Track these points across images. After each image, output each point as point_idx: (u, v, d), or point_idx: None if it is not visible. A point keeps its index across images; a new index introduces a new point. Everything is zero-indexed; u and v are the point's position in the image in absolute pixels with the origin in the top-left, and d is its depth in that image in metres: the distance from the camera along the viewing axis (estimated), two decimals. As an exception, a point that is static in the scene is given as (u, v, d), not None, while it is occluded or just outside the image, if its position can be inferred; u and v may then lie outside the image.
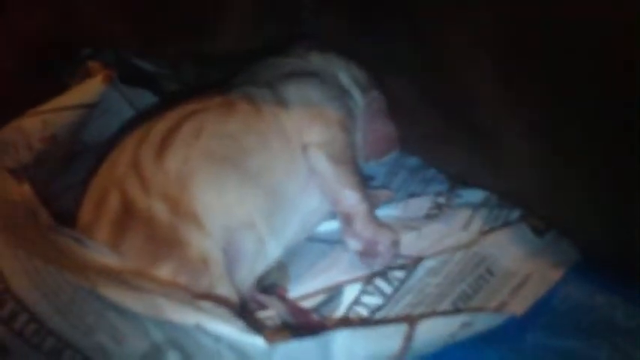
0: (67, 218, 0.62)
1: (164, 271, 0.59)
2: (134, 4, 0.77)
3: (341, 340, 0.52)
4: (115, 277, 0.55)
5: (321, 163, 0.69)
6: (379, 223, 0.70)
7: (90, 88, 0.78)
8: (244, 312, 0.55)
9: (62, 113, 0.75)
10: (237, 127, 0.67)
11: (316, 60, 0.80)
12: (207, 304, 0.52)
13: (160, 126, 0.67)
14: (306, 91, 0.73)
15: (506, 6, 0.58)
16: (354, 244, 0.69)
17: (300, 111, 0.71)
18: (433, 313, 0.62)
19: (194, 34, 0.77)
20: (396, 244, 0.69)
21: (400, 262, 0.68)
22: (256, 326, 0.52)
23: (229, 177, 0.64)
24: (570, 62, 0.56)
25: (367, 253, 0.69)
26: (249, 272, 0.65)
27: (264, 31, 0.78)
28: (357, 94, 0.78)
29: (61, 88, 0.81)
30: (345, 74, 0.79)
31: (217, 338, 0.50)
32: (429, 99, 0.70)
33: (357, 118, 0.76)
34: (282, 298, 0.65)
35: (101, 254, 0.58)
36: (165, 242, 0.60)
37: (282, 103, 0.71)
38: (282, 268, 0.69)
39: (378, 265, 0.68)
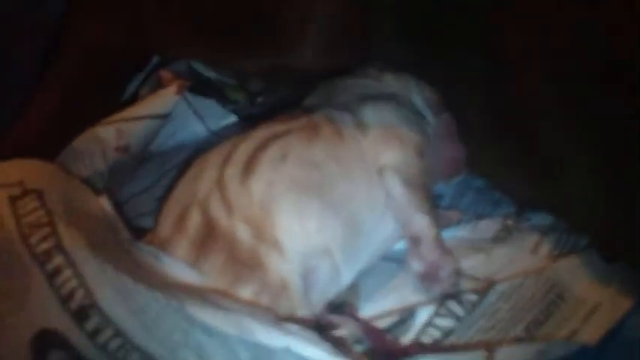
0: (133, 230, 0.62)
1: (245, 293, 0.59)
2: (206, 16, 0.77)
3: (424, 364, 0.51)
4: (202, 295, 0.55)
5: (396, 186, 0.69)
6: (445, 250, 0.70)
7: (163, 99, 0.78)
8: (322, 334, 0.55)
9: (136, 123, 0.75)
10: (321, 153, 0.67)
11: (391, 81, 0.80)
12: (294, 327, 0.52)
13: (245, 145, 0.67)
14: (384, 114, 0.73)
15: (574, 26, 0.58)
16: (416, 266, 0.69)
17: (378, 134, 0.71)
18: (508, 339, 0.62)
19: (273, 48, 0.77)
20: (458, 272, 0.69)
21: (472, 285, 0.68)
22: (339, 348, 0.52)
23: (311, 204, 0.64)
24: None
25: (428, 277, 0.69)
26: (321, 298, 0.65)
27: (343, 50, 0.77)
28: (429, 115, 0.78)
29: (130, 97, 0.81)
30: (419, 96, 0.79)
31: None
32: (497, 126, 0.71)
33: (430, 141, 0.75)
34: (355, 318, 0.65)
35: (181, 272, 0.58)
36: (246, 264, 0.60)
37: (361, 126, 0.71)
38: (352, 286, 0.68)
39: (435, 290, 0.68)
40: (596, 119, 0.60)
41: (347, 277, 0.67)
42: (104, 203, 0.61)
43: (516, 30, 0.63)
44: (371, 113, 0.73)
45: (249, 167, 0.65)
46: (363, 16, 0.75)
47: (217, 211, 0.62)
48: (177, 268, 0.58)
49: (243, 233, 0.61)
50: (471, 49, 0.68)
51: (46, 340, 0.52)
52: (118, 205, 0.65)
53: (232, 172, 0.65)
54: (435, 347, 0.63)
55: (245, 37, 0.77)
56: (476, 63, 0.68)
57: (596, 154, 0.61)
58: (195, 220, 0.63)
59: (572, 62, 0.59)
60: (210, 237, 0.61)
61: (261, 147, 0.67)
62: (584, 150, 0.62)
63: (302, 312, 0.60)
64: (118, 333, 0.52)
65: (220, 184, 0.64)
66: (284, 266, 0.61)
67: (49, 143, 0.73)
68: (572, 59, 0.59)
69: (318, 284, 0.64)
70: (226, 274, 0.60)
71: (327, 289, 0.65)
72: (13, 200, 0.58)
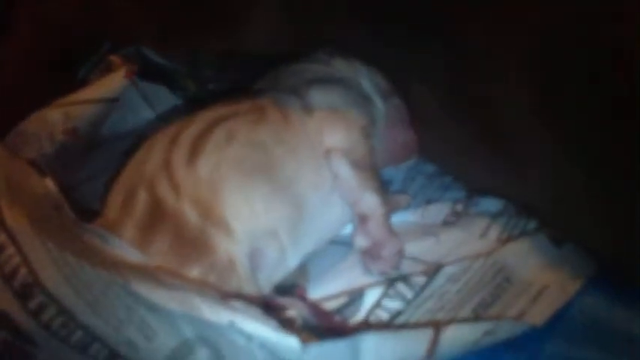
0: (83, 213, 0.61)
1: (193, 273, 0.59)
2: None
3: (370, 342, 0.52)
4: (147, 273, 0.54)
5: (343, 168, 0.69)
6: (392, 230, 0.70)
7: (112, 83, 0.78)
8: (270, 314, 0.55)
9: (84, 106, 0.75)
10: (268, 135, 0.67)
11: (340, 66, 0.80)
12: (239, 304, 0.52)
13: (192, 128, 0.67)
14: (330, 97, 0.73)
15: (539, 18, 0.58)
16: (360, 241, 0.70)
17: (324, 116, 0.71)
18: (455, 320, 0.62)
19: (221, 31, 0.77)
20: (400, 254, 0.69)
21: (420, 268, 0.68)
22: (286, 327, 0.51)
23: (258, 186, 0.65)
24: (600, 77, 0.56)
25: (371, 254, 0.69)
26: (268, 279, 0.65)
27: (290, 33, 0.77)
28: (378, 101, 0.78)
29: (79, 81, 0.81)
30: (368, 81, 0.79)
31: (250, 337, 0.50)
32: (452, 108, 0.71)
33: (378, 125, 0.75)
34: (303, 299, 0.65)
35: (127, 253, 0.57)
36: (194, 245, 0.60)
37: (308, 109, 0.72)
38: (301, 268, 0.68)
39: (377, 268, 0.69)
40: (560, 103, 0.60)
41: (293, 259, 0.67)
42: (49, 184, 0.59)
43: (481, 15, 0.63)
44: (317, 96, 0.73)
45: (195, 149, 0.64)
46: (313, 1, 0.74)
47: (164, 192, 0.62)
48: (123, 249, 0.57)
49: (190, 214, 0.61)
50: (426, 31, 0.68)
51: (-11, 319, 0.51)
52: (65, 189, 0.63)
53: (179, 154, 0.64)
54: (383, 326, 0.63)
55: (196, 19, 0.77)
56: (437, 48, 0.68)
57: (556, 131, 0.61)
58: (142, 201, 0.62)
59: (539, 48, 0.59)
60: (157, 218, 0.61)
61: (208, 129, 0.67)
62: (544, 128, 0.62)
63: (249, 291, 0.60)
64: (62, 311, 0.51)
65: (167, 165, 0.64)
66: (232, 246, 0.61)
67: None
68: (540, 45, 0.59)
69: (265, 265, 0.64)
70: (173, 255, 0.59)
71: (274, 270, 0.65)
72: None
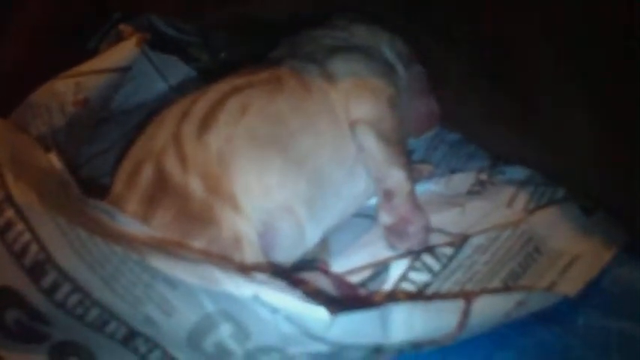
0: (91, 187, 0.59)
1: (194, 246, 0.57)
2: None
3: (400, 313, 0.50)
4: (162, 248, 0.52)
5: (370, 140, 0.67)
6: (418, 205, 0.68)
7: (123, 52, 0.76)
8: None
9: (95, 76, 0.74)
10: (285, 106, 0.65)
11: (360, 33, 0.78)
12: (262, 276, 0.50)
13: (204, 101, 0.64)
14: (354, 66, 0.71)
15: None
16: (385, 218, 0.68)
17: (349, 87, 0.69)
18: (486, 291, 0.60)
19: None
20: (427, 230, 0.67)
21: (447, 239, 0.66)
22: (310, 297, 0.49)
23: (272, 159, 0.62)
24: (631, 39, 0.54)
25: (396, 230, 0.67)
26: (287, 256, 0.63)
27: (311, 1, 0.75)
28: (400, 69, 0.76)
29: (89, 52, 0.79)
30: (389, 48, 0.77)
31: (275, 309, 0.48)
32: (478, 75, 0.69)
33: (401, 94, 0.73)
34: (325, 273, 0.63)
35: (135, 229, 0.55)
36: (197, 219, 0.58)
37: (330, 78, 0.69)
38: (322, 242, 0.66)
39: (402, 245, 0.66)
40: (590, 67, 0.58)
41: (313, 235, 0.65)
42: (53, 160, 0.58)
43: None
44: (340, 64, 0.71)
45: (206, 122, 0.62)
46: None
47: (172, 166, 0.60)
48: (131, 224, 0.55)
49: (196, 188, 0.59)
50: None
51: (1, 299, 0.50)
52: (72, 164, 0.61)
53: (189, 127, 0.62)
54: (413, 297, 0.61)
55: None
56: (461, 11, 0.66)
57: (586, 98, 0.59)
58: (147, 175, 0.61)
59: (565, 11, 0.57)
60: (161, 192, 0.59)
61: (220, 101, 0.64)
62: (573, 96, 0.60)
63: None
64: (77, 288, 0.50)
65: (177, 139, 0.62)
66: (238, 221, 0.59)
67: (6, 92, 0.71)
68: (566, 7, 0.57)
69: (281, 242, 0.62)
70: (175, 229, 0.58)
71: (292, 247, 0.64)
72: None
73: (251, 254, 0.59)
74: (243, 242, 0.59)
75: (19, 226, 0.50)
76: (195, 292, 0.49)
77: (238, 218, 0.59)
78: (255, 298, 0.48)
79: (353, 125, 0.68)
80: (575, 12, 0.57)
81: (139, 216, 0.58)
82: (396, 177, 0.67)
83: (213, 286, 0.48)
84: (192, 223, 0.58)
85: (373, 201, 0.70)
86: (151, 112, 0.72)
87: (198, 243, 0.57)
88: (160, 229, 0.58)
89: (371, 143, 0.67)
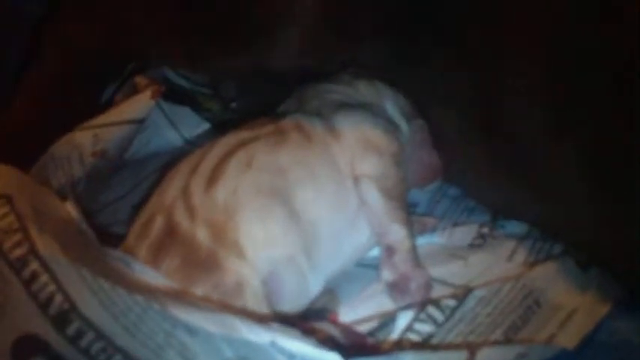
0: (105, 235, 0.61)
1: (197, 292, 0.59)
2: (188, 17, 0.77)
3: (408, 361, 0.51)
4: (180, 297, 0.55)
5: (373, 196, 0.69)
6: (418, 263, 0.70)
7: (139, 104, 0.79)
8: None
9: (113, 128, 0.76)
10: (287, 159, 0.67)
11: (364, 89, 0.80)
12: (277, 325, 0.52)
13: (212, 155, 0.67)
14: (359, 122, 0.73)
15: (568, 44, 0.59)
16: (387, 275, 0.70)
17: (353, 143, 0.71)
18: (488, 342, 0.62)
19: (252, 48, 0.77)
20: (427, 287, 0.69)
21: (450, 291, 0.68)
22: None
23: (275, 211, 0.64)
24: (624, 95, 0.56)
25: (397, 287, 0.69)
26: (291, 305, 0.65)
27: (321, 50, 0.77)
28: (403, 124, 0.79)
29: (104, 103, 0.81)
30: (392, 104, 0.80)
31: (291, 355, 0.50)
32: (474, 132, 0.71)
33: (404, 148, 0.75)
34: (335, 323, 0.65)
35: (151, 278, 0.58)
36: (202, 266, 0.60)
37: (333, 133, 0.72)
38: (330, 292, 0.69)
39: (403, 301, 0.68)
40: (582, 123, 0.60)
41: (315, 284, 0.67)
42: (71, 210, 0.60)
43: (504, 34, 0.64)
44: (344, 120, 0.73)
45: (214, 176, 0.65)
46: (341, 16, 0.74)
47: (180, 217, 0.63)
48: (146, 272, 0.58)
49: (202, 236, 0.61)
50: (452, 52, 0.68)
51: (27, 346, 0.51)
52: (89, 213, 0.63)
53: (198, 180, 0.65)
54: (419, 346, 0.63)
55: (225, 37, 0.77)
56: (460, 67, 0.68)
57: (581, 158, 0.61)
58: (157, 226, 0.63)
59: (562, 66, 0.60)
60: (169, 240, 0.62)
61: (227, 154, 0.67)
62: (567, 158, 0.62)
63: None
64: (100, 336, 0.51)
65: (185, 192, 0.64)
66: (242, 270, 0.61)
67: (26, 145, 0.73)
68: (563, 63, 0.59)
69: (285, 291, 0.64)
70: (181, 274, 0.60)
71: (296, 296, 0.65)
72: (-18, 206, 0.56)
73: (253, 301, 0.60)
74: (245, 288, 0.60)
75: (44, 278, 0.52)
76: (214, 339, 0.51)
77: (242, 265, 0.61)
78: (273, 344, 0.50)
79: (356, 180, 0.70)
80: (572, 66, 0.59)
81: (148, 263, 0.60)
82: (398, 233, 0.69)
83: (232, 333, 0.51)
84: (197, 269, 0.60)
85: (378, 252, 0.72)
86: (164, 161, 0.74)
87: (201, 288, 0.59)
88: (166, 275, 0.60)
89: (374, 199, 0.69)
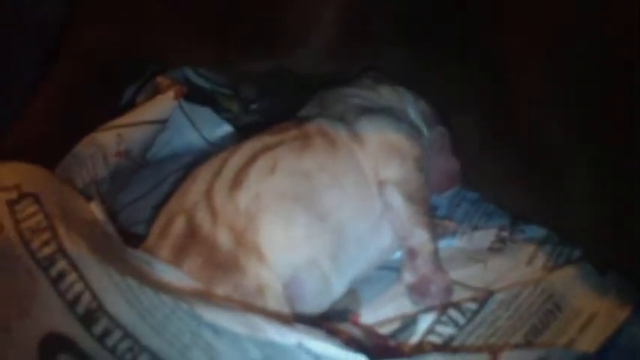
0: (126, 235, 0.62)
1: (217, 293, 0.60)
2: (211, 19, 0.77)
3: (433, 363, 0.51)
4: (206, 297, 0.55)
5: (397, 200, 0.70)
6: (440, 267, 0.71)
7: (162, 104, 0.79)
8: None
9: (136, 128, 0.76)
10: (312, 164, 0.68)
11: (386, 93, 0.81)
12: (302, 326, 0.53)
13: (235, 159, 0.67)
14: (382, 127, 0.74)
15: (585, 56, 0.59)
16: (408, 276, 0.70)
17: (376, 148, 0.72)
18: (510, 346, 0.62)
19: (276, 50, 0.78)
20: (448, 291, 0.69)
21: (470, 294, 0.68)
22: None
23: (298, 214, 0.65)
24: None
25: (418, 289, 0.69)
26: (314, 307, 0.66)
27: (344, 54, 0.78)
28: (424, 129, 0.79)
29: (125, 104, 0.81)
30: (414, 109, 0.81)
31: (318, 356, 0.51)
32: (494, 139, 0.72)
33: (426, 153, 0.76)
34: (357, 324, 0.66)
35: (174, 278, 0.58)
36: (223, 267, 0.61)
37: (357, 138, 0.72)
38: (352, 293, 0.69)
39: (424, 304, 0.69)
40: (597, 132, 0.60)
41: (339, 287, 0.67)
42: (95, 210, 0.60)
43: (517, 41, 0.64)
44: (368, 125, 0.74)
45: (237, 179, 0.65)
46: (365, 21, 0.75)
47: (202, 219, 0.63)
48: (171, 274, 0.58)
49: (224, 239, 0.62)
50: (472, 60, 0.69)
51: (53, 344, 0.52)
52: (112, 213, 0.64)
53: (221, 184, 0.65)
54: (440, 348, 0.63)
55: (248, 39, 0.77)
56: (476, 75, 0.68)
57: (595, 166, 0.61)
58: (179, 227, 0.64)
59: (575, 74, 0.60)
60: (190, 241, 0.62)
61: (251, 159, 0.67)
62: (584, 163, 0.62)
63: None
64: (127, 335, 0.52)
65: (208, 195, 0.65)
66: (262, 272, 0.61)
67: (49, 146, 0.73)
68: (576, 71, 0.60)
69: (307, 293, 0.64)
70: (202, 275, 0.60)
71: (318, 298, 0.66)
72: (11, 204, 0.58)
73: (274, 303, 0.61)
74: (266, 291, 0.61)
75: (72, 276, 0.53)
76: (240, 340, 0.51)
77: (263, 268, 0.61)
78: (300, 345, 0.50)
79: (381, 185, 0.70)
80: (586, 75, 0.60)
81: (170, 263, 0.61)
82: (420, 237, 0.70)
83: (258, 334, 0.51)
84: (218, 270, 0.61)
85: (400, 254, 0.72)
86: (184, 162, 0.74)
87: (222, 289, 0.60)
88: (187, 275, 0.60)
89: (398, 203, 0.70)
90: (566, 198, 0.67)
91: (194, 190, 0.66)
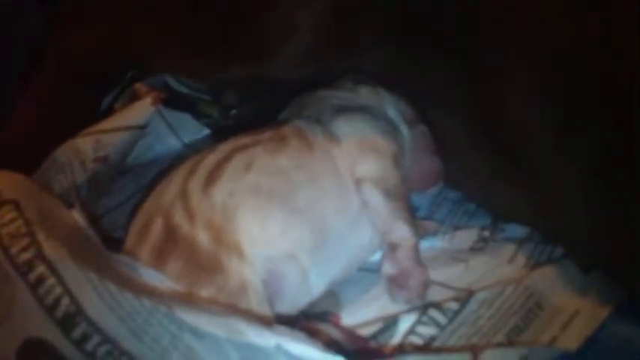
0: (108, 241, 0.61)
1: (202, 294, 0.59)
2: (189, 28, 0.77)
3: (412, 364, 0.51)
4: (186, 300, 0.55)
5: (375, 198, 0.70)
6: (420, 261, 0.71)
7: (140, 110, 0.79)
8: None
9: (114, 134, 0.76)
10: (288, 162, 0.68)
11: (366, 94, 0.81)
12: (282, 328, 0.52)
13: (210, 158, 0.67)
14: (358, 125, 0.74)
15: (568, 54, 0.59)
16: (388, 268, 0.70)
17: (352, 146, 0.72)
18: (491, 345, 0.62)
19: (255, 57, 0.78)
20: (426, 285, 0.69)
21: (451, 293, 0.68)
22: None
23: (274, 210, 0.65)
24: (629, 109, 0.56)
25: (396, 281, 0.69)
26: (292, 305, 0.66)
27: (324, 59, 0.78)
28: (404, 128, 0.79)
29: (104, 110, 0.81)
30: (394, 109, 0.81)
31: (297, 358, 0.50)
32: (476, 139, 0.72)
33: (404, 153, 0.76)
34: (337, 326, 0.65)
35: (156, 280, 0.58)
36: (204, 268, 0.61)
37: (333, 138, 0.72)
38: (332, 295, 0.69)
39: (401, 297, 0.69)
40: (581, 132, 0.61)
41: (318, 284, 0.67)
42: (76, 216, 0.60)
43: (505, 43, 0.64)
44: (344, 124, 0.74)
45: (212, 177, 0.65)
46: (344, 27, 0.75)
47: (179, 219, 0.63)
48: (151, 276, 0.58)
49: (203, 239, 0.62)
50: (457, 59, 0.69)
51: (33, 350, 0.52)
52: (94, 218, 0.64)
53: (195, 183, 0.65)
54: (421, 349, 0.63)
55: (227, 46, 0.77)
56: (461, 74, 0.69)
57: (580, 166, 0.62)
58: (156, 228, 0.63)
59: (562, 76, 0.60)
60: (170, 243, 0.62)
61: (226, 158, 0.67)
62: (570, 162, 0.62)
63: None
64: (106, 340, 0.52)
65: (184, 194, 0.65)
66: (244, 269, 0.61)
67: (30, 152, 0.73)
68: (563, 73, 0.60)
69: (286, 289, 0.64)
70: (184, 278, 0.60)
71: (297, 294, 0.66)
72: (-9, 210, 0.56)
73: (257, 301, 0.61)
74: (249, 289, 0.61)
75: (51, 281, 0.53)
76: (220, 343, 0.51)
77: (244, 266, 0.61)
78: (278, 347, 0.50)
79: (358, 183, 0.70)
80: (573, 75, 0.60)
81: (150, 266, 0.61)
82: (402, 231, 0.70)
83: (238, 336, 0.51)
84: (200, 272, 0.61)
85: (380, 256, 0.72)
86: (164, 167, 0.74)
87: (206, 291, 0.60)
88: (170, 278, 0.60)
89: (376, 200, 0.70)
90: (552, 197, 0.67)
91: (170, 190, 0.66)
